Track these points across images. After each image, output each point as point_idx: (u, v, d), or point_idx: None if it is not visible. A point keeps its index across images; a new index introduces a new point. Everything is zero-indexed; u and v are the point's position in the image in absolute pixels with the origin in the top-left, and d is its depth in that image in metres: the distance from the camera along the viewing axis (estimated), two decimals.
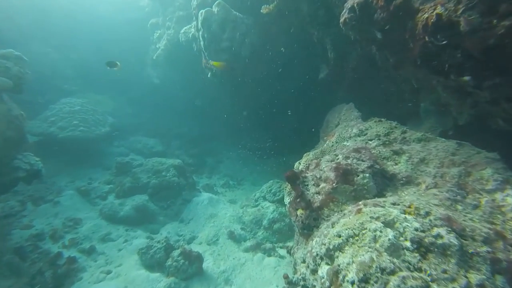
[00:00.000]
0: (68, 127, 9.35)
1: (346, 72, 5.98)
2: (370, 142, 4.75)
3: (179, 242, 7.49)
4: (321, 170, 3.97)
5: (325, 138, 6.19)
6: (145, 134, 13.13)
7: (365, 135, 5.01)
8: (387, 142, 4.51)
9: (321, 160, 4.33)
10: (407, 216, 2.82)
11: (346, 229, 2.91)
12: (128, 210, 8.12)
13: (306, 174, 4.14)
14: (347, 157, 3.93)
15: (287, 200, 5.46)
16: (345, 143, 5.00)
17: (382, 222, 2.80)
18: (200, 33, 7.68)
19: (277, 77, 8.85)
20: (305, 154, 5.96)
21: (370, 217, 2.89)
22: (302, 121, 9.94)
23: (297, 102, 9.46)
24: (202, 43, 7.71)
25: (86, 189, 8.74)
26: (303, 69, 7.85)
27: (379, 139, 4.71)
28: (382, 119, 5.13)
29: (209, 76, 8.99)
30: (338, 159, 4.04)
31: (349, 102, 6.35)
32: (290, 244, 7.64)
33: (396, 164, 3.95)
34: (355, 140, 4.97)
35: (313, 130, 10.32)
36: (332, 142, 5.24)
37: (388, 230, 2.70)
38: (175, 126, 14.10)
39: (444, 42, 2.79)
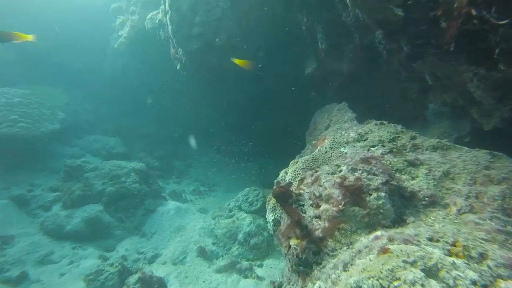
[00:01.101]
0: (3, 122, 7.75)
1: (339, 66, 5.17)
2: (373, 149, 3.95)
3: (138, 262, 6.30)
4: (320, 186, 3.06)
5: (313, 142, 5.34)
6: (105, 133, 11.62)
7: (365, 140, 4.20)
8: (395, 150, 3.71)
9: (318, 172, 3.45)
10: (455, 260, 1.97)
11: (369, 279, 1.98)
12: (77, 223, 6.77)
13: (301, 191, 3.23)
14: (354, 169, 3.06)
15: (270, 217, 4.50)
16: (342, 150, 4.17)
17: (421, 270, 1.92)
18: (168, 16, 6.55)
19: (256, 72, 7.90)
20: (292, 162, 5.05)
21: (403, 261, 2.00)
22: (285, 122, 9.09)
23: (279, 100, 8.58)
24: (170, 28, 6.59)
25: (25, 197, 7.24)
26: (287, 63, 6.98)
27: (383, 146, 3.91)
28: (384, 122, 4.37)
29: (178, 68, 7.86)
30: (341, 171, 3.17)
31: (341, 101, 5.56)
32: (269, 261, 6.74)
33: (413, 178, 3.13)
34: (354, 146, 4.15)
35: (296, 132, 9.54)
36: (326, 148, 4.39)
37: (433, 283, 1.83)
38: (140, 124, 12.69)
39: (505, 21, 2.01)
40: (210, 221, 7.75)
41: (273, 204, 4.45)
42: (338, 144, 4.41)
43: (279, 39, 6.78)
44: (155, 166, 10.36)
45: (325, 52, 5.19)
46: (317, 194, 3.02)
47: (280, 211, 4.30)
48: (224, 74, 7.48)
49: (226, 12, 6.38)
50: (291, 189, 3.37)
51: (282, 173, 4.80)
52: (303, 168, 4.19)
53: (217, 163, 12.20)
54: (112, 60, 12.04)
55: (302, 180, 3.42)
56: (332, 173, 3.27)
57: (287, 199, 3.21)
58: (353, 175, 3.04)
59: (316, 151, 4.60)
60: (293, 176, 4.18)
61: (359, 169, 3.06)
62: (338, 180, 2.98)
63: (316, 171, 3.66)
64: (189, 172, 11.20)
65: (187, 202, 9.00)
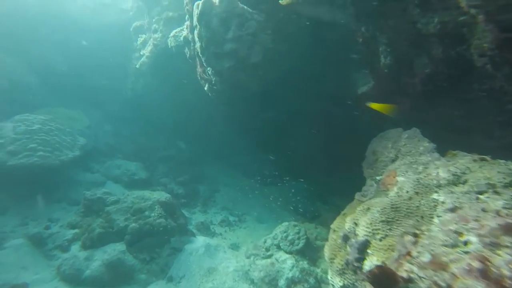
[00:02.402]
0: (22, 152, 7.20)
1: (407, 84, 4.21)
2: (482, 197, 2.93)
3: None
4: (445, 270, 2.08)
5: (377, 178, 4.34)
6: (125, 157, 11.01)
7: (464, 182, 3.19)
8: None
9: (422, 238, 2.47)
10: None
11: None
12: (96, 268, 5.99)
13: (411, 274, 2.23)
14: (494, 245, 2.07)
15: (337, 282, 3.54)
16: (436, 197, 3.18)
17: None
18: (196, 32, 5.83)
19: (294, 91, 7.06)
20: (356, 205, 4.08)
21: None
22: (324, 144, 8.15)
23: (317, 121, 7.68)
24: (198, 45, 5.85)
25: (41, 236, 6.55)
26: (333, 80, 6.08)
27: (497, 193, 2.89)
28: (486, 157, 3.34)
29: (205, 88, 7.12)
30: (468, 243, 2.18)
31: (406, 125, 4.58)
32: None
33: None
34: (452, 192, 3.15)
35: (340, 156, 8.53)
36: (407, 191, 3.40)
37: None
38: (161, 147, 12.03)
39: None
40: (244, 260, 6.81)
41: (341, 265, 3.46)
42: (425, 187, 3.40)
43: (323, 54, 5.91)
44: (179, 194, 9.57)
45: (389, 68, 4.26)
46: (444, 285, 2.03)
47: (353, 277, 3.31)
48: (256, 93, 6.67)
49: (261, 28, 5.60)
50: (391, 267, 2.40)
51: (338, 222, 3.84)
52: (384, 222, 3.21)
53: (244, 187, 11.33)
54: (133, 80, 11.55)
55: (406, 254, 2.43)
56: (453, 246, 2.28)
57: (392, 286, 2.23)
58: (497, 254, 2.04)
59: (393, 195, 3.60)
60: (370, 233, 3.20)
61: (505, 245, 2.06)
62: (476, 264, 1.98)
63: (416, 235, 2.67)
64: (215, 198, 10.33)
65: (216, 236, 8.09)
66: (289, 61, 6.10)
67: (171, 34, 8.62)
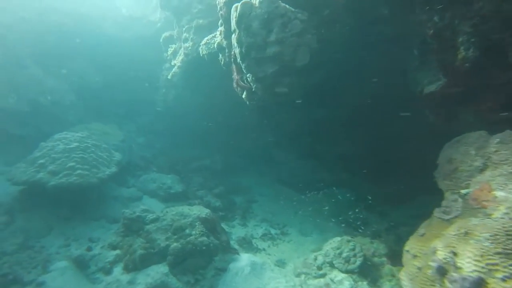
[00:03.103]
0: (62, 171, 7.13)
1: (497, 79, 3.51)
2: None
3: None
4: None
5: (463, 192, 3.66)
6: (160, 169, 10.85)
7: None
8: None
9: None
10: None
11: None
12: None
13: None
14: None
15: None
16: None
17: None
18: (235, 37, 5.41)
19: (342, 94, 6.47)
20: (453, 232, 3.39)
21: None
22: (375, 151, 7.48)
23: (366, 123, 7.03)
24: (237, 50, 5.43)
25: (84, 258, 6.37)
26: (387, 80, 5.44)
27: None
28: None
29: (243, 96, 6.69)
30: None
31: (493, 128, 3.86)
32: None
33: None
34: None
35: (390, 162, 7.81)
36: None
37: None
38: (195, 157, 11.78)
39: None
40: (294, 280, 6.26)
41: None
42: None
43: (370, 52, 5.29)
44: (217, 207, 9.20)
45: (472, 61, 3.57)
46: None
47: None
48: (300, 98, 6.14)
49: (305, 25, 5.08)
50: None
51: (440, 251, 3.20)
52: (501, 254, 2.55)
53: (282, 196, 10.79)
54: (164, 91, 11.42)
55: None
56: None
57: None
58: None
59: (502, 217, 2.93)
60: (483, 268, 2.55)
61: None
62: None
63: None
64: (253, 209, 9.87)
65: (260, 252, 7.60)
66: (336, 61, 5.53)
67: (203, 42, 8.33)
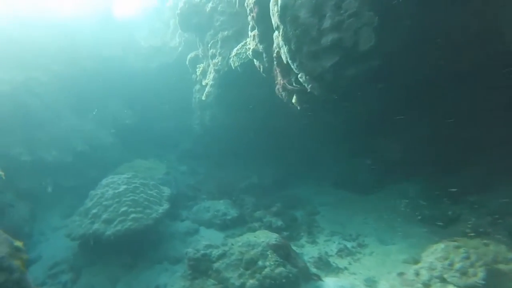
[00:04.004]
0: (116, 218, 6.73)
1: None
2: None
3: None
4: None
5: None
6: (210, 196, 10.29)
7: None
8: None
9: None
10: None
11: None
12: None
13: None
14: None
15: None
16: None
17: None
18: (279, 34, 4.67)
19: (402, 74, 5.45)
20: None
21: None
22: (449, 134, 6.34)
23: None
24: (285, 49, 4.66)
25: None
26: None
27: None
28: None
29: (293, 101, 5.89)
30: None
31: None
32: None
33: None
34: None
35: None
36: None
37: None
38: (242, 177, 11.11)
39: None
40: None
41: None
42: None
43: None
44: (279, 226, 8.37)
45: None
46: None
47: None
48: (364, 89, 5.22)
49: (363, 5, 4.20)
50: None
51: None
52: None
53: (344, 202, 9.76)
54: (199, 114, 10.96)
55: None
56: None
57: None
58: None
59: None
60: None
61: None
62: None
63: None
64: (318, 222, 8.90)
65: (342, 272, 6.62)
66: (404, 36, 4.56)
67: (233, 54, 7.72)
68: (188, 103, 11.68)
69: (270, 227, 8.35)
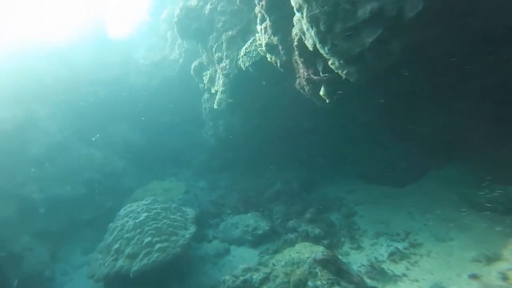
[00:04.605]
0: (140, 251, 6.06)
1: None
2: None
3: None
4: None
5: None
6: (235, 210, 9.59)
7: None
8: None
9: None
10: None
11: None
12: None
13: None
14: None
15: None
16: None
17: None
18: (303, 16, 3.95)
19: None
20: None
21: None
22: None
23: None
24: (312, 32, 3.95)
25: None
26: None
27: None
28: None
29: (321, 93, 5.15)
30: None
31: None
32: None
33: None
34: None
35: None
36: None
37: None
38: (265, 185, 10.37)
39: None
40: None
41: None
42: None
43: None
44: (318, 235, 7.57)
45: None
46: None
47: None
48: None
49: None
50: None
51: None
52: None
53: (380, 197, 8.92)
54: (211, 124, 10.30)
55: None
56: None
57: None
58: None
59: None
60: None
61: None
62: None
63: None
64: (358, 224, 8.08)
65: (402, 280, 5.79)
66: None
67: (241, 54, 7.06)
68: (198, 115, 11.06)
69: (307, 237, 7.58)
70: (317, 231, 7.66)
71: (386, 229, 7.49)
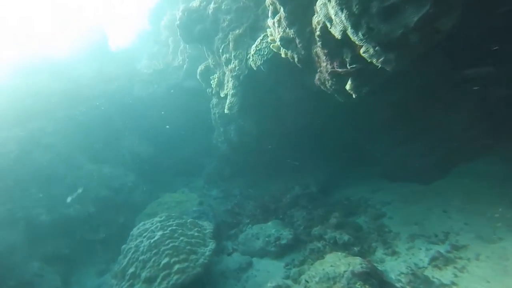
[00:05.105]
0: (158, 274, 5.54)
1: None
2: None
3: None
4: None
5: None
6: (254, 219, 9.03)
7: None
8: None
9: None
10: None
11: None
12: None
13: None
14: None
15: None
16: None
17: None
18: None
19: None
20: None
21: None
22: None
23: None
24: (342, 16, 3.40)
25: None
26: None
27: None
28: None
29: (347, 87, 4.60)
30: None
31: None
32: None
33: None
34: None
35: None
36: None
37: None
38: (282, 190, 9.80)
39: None
40: None
41: None
42: None
43: None
44: (347, 242, 6.97)
45: None
46: None
47: None
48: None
49: None
50: None
51: None
52: None
53: (408, 195, 8.30)
54: (221, 130, 9.80)
55: None
56: None
57: None
58: None
59: None
60: None
61: None
62: None
63: None
64: (389, 227, 7.45)
65: None
66: None
67: (251, 52, 6.55)
68: (205, 121, 10.58)
69: (335, 245, 7.00)
70: (346, 237, 7.06)
71: (421, 231, 6.86)
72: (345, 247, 6.87)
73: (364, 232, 7.52)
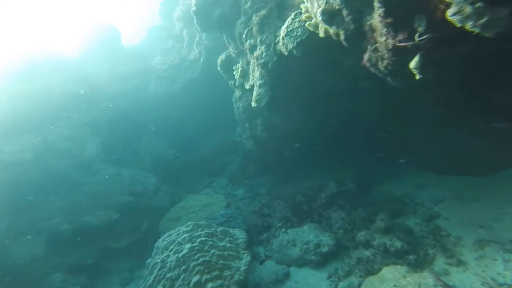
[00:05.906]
0: None
1: None
2: None
3: None
4: None
5: None
6: (287, 222, 8.23)
7: None
8: None
9: None
10: None
11: None
12: None
13: None
14: None
15: None
16: None
17: None
18: None
19: None
20: None
21: None
22: None
23: None
24: None
25: None
26: None
27: None
28: None
29: (412, 67, 3.64)
30: None
31: None
32: None
33: None
34: None
35: None
36: None
37: None
38: (315, 189, 8.89)
39: None
40: None
41: None
42: None
43: None
44: (401, 250, 6.02)
45: None
46: None
47: None
48: None
49: None
50: None
51: None
52: None
53: (464, 191, 7.24)
54: (246, 126, 8.96)
55: None
56: None
57: None
58: None
59: None
60: None
61: None
62: None
63: None
64: (446, 229, 6.41)
65: None
66: None
67: (281, 35, 5.64)
68: (227, 116, 9.79)
69: (387, 252, 6.08)
70: (398, 243, 6.11)
71: (491, 235, 5.84)
72: (399, 256, 5.95)
73: (417, 237, 6.55)
